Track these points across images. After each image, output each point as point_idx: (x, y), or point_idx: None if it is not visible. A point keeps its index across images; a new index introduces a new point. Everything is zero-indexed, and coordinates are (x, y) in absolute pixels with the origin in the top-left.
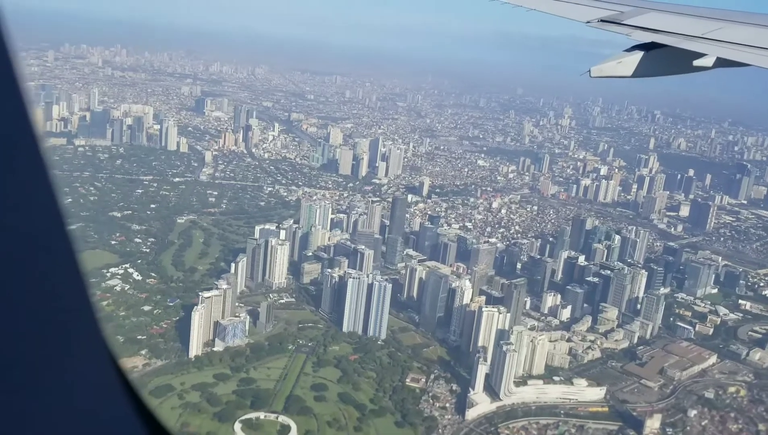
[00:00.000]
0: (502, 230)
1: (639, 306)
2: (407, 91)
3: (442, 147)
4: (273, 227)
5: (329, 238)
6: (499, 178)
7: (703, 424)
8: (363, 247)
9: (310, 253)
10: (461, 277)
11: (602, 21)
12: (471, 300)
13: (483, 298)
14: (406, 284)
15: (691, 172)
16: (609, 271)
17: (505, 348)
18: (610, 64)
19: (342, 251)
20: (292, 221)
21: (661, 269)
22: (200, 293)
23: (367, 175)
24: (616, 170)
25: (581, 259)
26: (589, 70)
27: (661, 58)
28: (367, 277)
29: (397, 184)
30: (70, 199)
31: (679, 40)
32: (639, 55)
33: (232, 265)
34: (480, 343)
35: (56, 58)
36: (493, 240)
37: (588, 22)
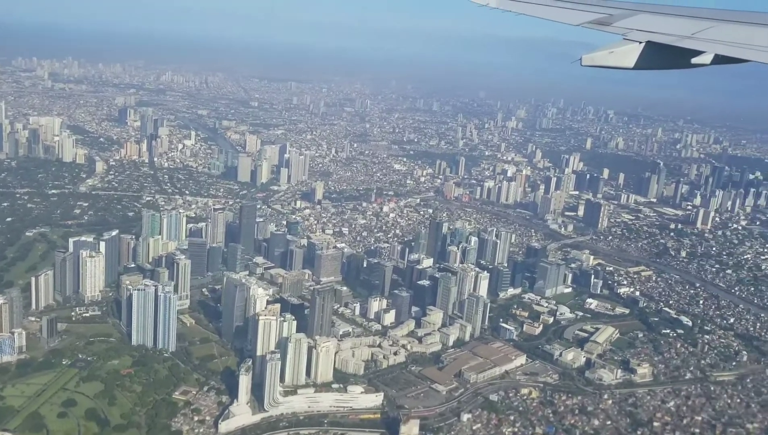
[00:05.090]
0: (380, 234)
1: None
2: (363, 96)
3: (366, 151)
4: (90, 239)
5: (173, 247)
6: (409, 181)
7: (474, 428)
8: (182, 256)
9: (133, 265)
10: (258, 285)
11: (593, 23)
12: (264, 308)
13: (278, 305)
14: (223, 294)
15: (606, 173)
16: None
17: (268, 357)
18: (601, 54)
19: (171, 262)
20: (117, 232)
21: (508, 270)
22: None
23: (269, 181)
24: (522, 171)
25: (426, 262)
26: (580, 59)
27: (659, 54)
28: (155, 288)
29: (294, 191)
30: None
31: (676, 39)
32: (634, 45)
33: (33, 279)
34: (260, 353)
35: (2, 72)
36: (341, 245)
37: (579, 24)
